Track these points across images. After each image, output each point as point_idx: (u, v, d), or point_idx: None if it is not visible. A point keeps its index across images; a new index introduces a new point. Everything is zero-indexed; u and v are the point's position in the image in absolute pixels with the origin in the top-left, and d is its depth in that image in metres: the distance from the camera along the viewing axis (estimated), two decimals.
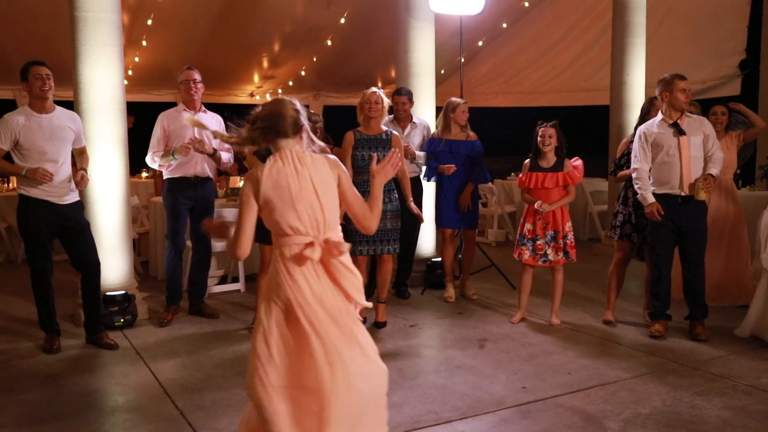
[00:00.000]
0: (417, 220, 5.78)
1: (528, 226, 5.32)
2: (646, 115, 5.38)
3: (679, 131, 4.89)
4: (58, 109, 4.86)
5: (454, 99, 6.14)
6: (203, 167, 5.52)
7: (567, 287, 5.87)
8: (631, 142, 5.27)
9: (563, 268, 5.43)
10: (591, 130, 12.55)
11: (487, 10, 6.79)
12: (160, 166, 5.50)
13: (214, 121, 5.57)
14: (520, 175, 5.45)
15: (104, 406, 3.95)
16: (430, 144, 6.17)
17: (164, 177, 5.60)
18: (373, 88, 5.34)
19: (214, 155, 5.45)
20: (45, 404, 3.90)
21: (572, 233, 5.34)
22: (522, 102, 12.67)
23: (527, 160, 5.39)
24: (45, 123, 4.72)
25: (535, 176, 5.28)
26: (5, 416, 3.72)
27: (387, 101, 5.39)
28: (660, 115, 5.02)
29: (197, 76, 5.57)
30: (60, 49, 8.40)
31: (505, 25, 11.38)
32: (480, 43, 11.63)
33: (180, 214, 5.54)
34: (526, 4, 10.98)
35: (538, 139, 5.26)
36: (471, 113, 6.21)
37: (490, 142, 6.40)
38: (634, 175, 5.05)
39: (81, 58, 5.31)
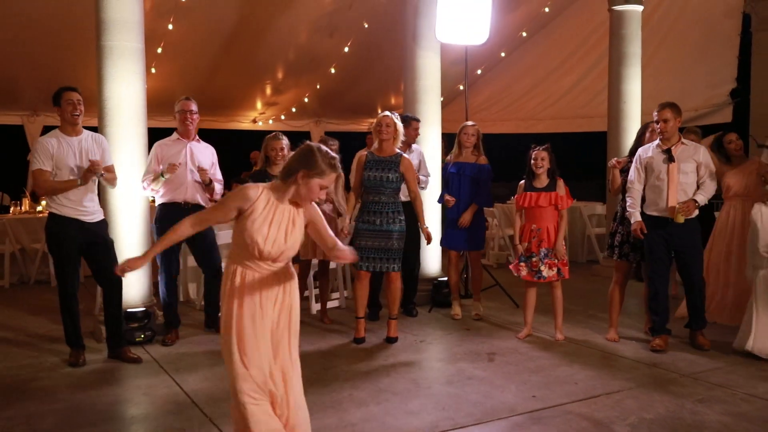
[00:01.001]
0: (420, 241, 6.05)
1: (525, 244, 5.59)
2: (641, 137, 5.69)
3: (670, 158, 5.17)
4: (86, 132, 5.10)
5: (465, 123, 6.46)
6: (193, 194, 5.61)
7: (570, 306, 6.11)
8: (628, 162, 5.58)
9: (561, 285, 5.66)
10: (587, 156, 12.87)
11: (486, 40, 7.08)
12: (152, 190, 5.60)
13: (208, 152, 5.78)
14: (516, 196, 5.72)
15: (136, 413, 4.15)
16: (443, 169, 6.47)
17: (156, 203, 5.71)
18: (387, 112, 5.61)
19: (209, 185, 5.64)
20: (78, 413, 4.08)
21: (563, 251, 5.60)
22: (520, 129, 12.99)
23: (522, 181, 5.67)
24: (75, 145, 4.96)
25: (529, 196, 5.56)
26: (43, 423, 3.91)
27: (400, 125, 5.63)
28: (658, 140, 5.31)
29: (194, 107, 5.72)
30: (66, 77, 8.69)
31: (503, 54, 11.75)
32: (479, 72, 11.97)
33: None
34: (524, 33, 11.36)
35: (532, 161, 5.55)
36: None
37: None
38: (627, 194, 5.34)
39: (107, 84, 5.56)
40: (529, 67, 11.98)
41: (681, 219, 5.10)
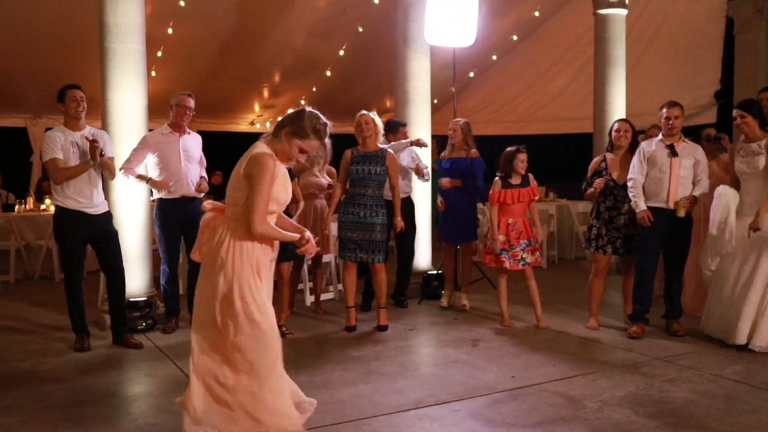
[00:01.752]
0: (414, 235, 6.38)
1: (501, 237, 5.87)
2: (609, 136, 5.98)
3: (673, 153, 5.47)
4: (88, 127, 5.36)
5: (453, 120, 6.77)
6: (189, 188, 5.80)
7: (554, 299, 6.42)
8: (602, 161, 5.85)
9: (534, 276, 5.97)
10: (577, 156, 13.12)
11: (477, 43, 7.36)
12: (136, 179, 5.69)
13: (195, 142, 5.96)
14: (491, 192, 5.99)
15: (138, 392, 4.43)
16: (438, 167, 6.83)
17: (155, 198, 5.91)
18: (364, 111, 5.94)
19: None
20: (86, 391, 4.35)
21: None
22: (512, 130, 13.25)
23: (497, 178, 5.96)
24: (78, 138, 5.22)
25: (510, 192, 5.88)
26: (53, 399, 4.18)
27: (379, 121, 5.94)
28: (660, 135, 5.61)
29: (192, 104, 5.88)
30: (68, 80, 8.88)
31: (495, 58, 12.05)
32: (471, 75, 12.27)
33: (171, 233, 5.82)
34: (515, 37, 11.66)
35: (519, 163, 5.86)
36: None
37: None
38: (629, 184, 5.63)
39: (110, 85, 5.84)
40: (521, 70, 12.28)
41: (682, 213, 5.41)
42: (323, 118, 3.35)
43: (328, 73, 11.41)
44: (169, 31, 9.43)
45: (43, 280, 8.47)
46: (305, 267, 6.87)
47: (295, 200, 5.55)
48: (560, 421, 3.81)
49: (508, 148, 5.96)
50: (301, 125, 3.27)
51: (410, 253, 6.95)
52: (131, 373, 4.79)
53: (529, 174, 5.98)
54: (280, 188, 3.32)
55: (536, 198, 6.02)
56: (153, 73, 10.34)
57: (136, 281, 5.86)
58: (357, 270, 6.03)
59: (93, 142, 5.14)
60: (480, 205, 9.69)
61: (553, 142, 12.89)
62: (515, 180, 5.91)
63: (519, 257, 5.83)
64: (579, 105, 12.01)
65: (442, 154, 6.91)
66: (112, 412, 4.01)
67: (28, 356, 5.15)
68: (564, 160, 13.06)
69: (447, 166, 6.67)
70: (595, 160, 6.05)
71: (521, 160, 5.88)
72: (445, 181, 6.61)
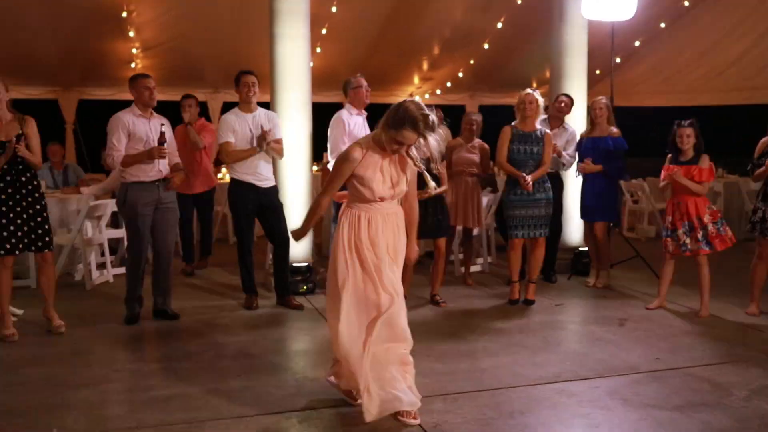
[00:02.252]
0: (561, 210, 6.43)
1: (668, 218, 5.68)
2: None
3: None
4: (260, 109, 5.89)
5: (596, 99, 6.61)
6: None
7: (715, 281, 6.10)
8: None
9: (708, 263, 5.66)
10: (754, 129, 12.25)
11: (643, 11, 7.08)
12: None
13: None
14: (664, 167, 5.79)
15: (298, 349, 4.91)
16: (578, 145, 6.70)
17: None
18: (528, 90, 5.95)
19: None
20: (253, 345, 4.88)
21: (713, 224, 5.55)
22: (680, 101, 12.56)
23: (669, 155, 5.74)
24: (249, 120, 5.75)
25: (669, 169, 5.62)
26: (226, 350, 4.76)
27: (541, 101, 5.94)
28: None
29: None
30: (244, 58, 9.60)
31: (663, 25, 11.43)
32: (637, 44, 11.74)
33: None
34: (686, 3, 10.98)
35: (677, 138, 5.60)
36: (627, 112, 6.63)
37: (645, 141, 6.73)
38: None
39: (277, 65, 6.34)
40: (692, 38, 11.55)
41: None
42: (425, 110, 3.18)
43: (486, 46, 11.43)
44: (333, 9, 9.88)
45: (218, 242, 9.33)
46: (456, 240, 7.08)
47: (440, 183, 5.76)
48: (702, 407, 3.75)
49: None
50: (395, 116, 3.17)
51: (559, 226, 6.95)
52: (293, 332, 5.28)
53: (704, 154, 5.58)
54: (370, 175, 3.31)
55: (696, 176, 5.50)
56: (318, 50, 10.94)
57: (299, 247, 6.31)
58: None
59: (264, 133, 5.64)
60: (640, 182, 9.39)
61: (726, 113, 12.09)
62: (684, 157, 5.62)
63: (682, 242, 5.61)
64: (758, 74, 11.19)
65: (582, 133, 6.77)
66: (275, 365, 4.48)
67: (207, 311, 5.81)
68: (737, 133, 12.22)
69: (589, 146, 6.54)
70: (764, 140, 5.68)
71: (680, 135, 5.62)
72: (581, 167, 6.52)
